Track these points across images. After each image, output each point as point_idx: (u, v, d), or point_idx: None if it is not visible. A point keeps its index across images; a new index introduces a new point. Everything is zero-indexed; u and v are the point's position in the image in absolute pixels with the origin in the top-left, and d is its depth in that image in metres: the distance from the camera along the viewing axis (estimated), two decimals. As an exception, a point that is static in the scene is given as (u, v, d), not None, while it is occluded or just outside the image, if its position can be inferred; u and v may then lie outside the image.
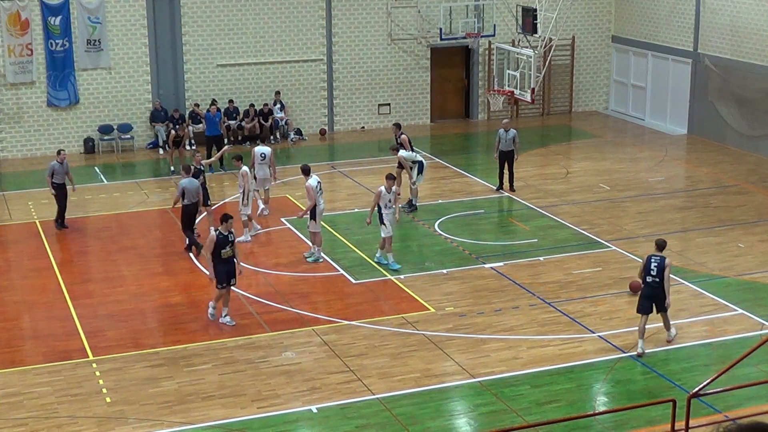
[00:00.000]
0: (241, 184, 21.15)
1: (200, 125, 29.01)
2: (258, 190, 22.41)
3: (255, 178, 22.27)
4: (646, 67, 32.43)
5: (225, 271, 16.87)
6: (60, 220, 22.16)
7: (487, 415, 14.21)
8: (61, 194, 21.96)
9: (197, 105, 29.36)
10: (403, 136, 24.02)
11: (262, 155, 22.75)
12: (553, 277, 19.15)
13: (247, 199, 21.18)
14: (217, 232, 16.90)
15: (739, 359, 12.32)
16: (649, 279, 15.77)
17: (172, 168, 26.58)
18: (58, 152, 22.40)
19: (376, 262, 19.80)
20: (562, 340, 16.51)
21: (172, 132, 27.07)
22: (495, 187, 24.82)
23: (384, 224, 19.58)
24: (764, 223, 22.43)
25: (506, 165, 24.52)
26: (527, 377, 15.21)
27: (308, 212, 19.91)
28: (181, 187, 20.26)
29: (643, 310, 15.83)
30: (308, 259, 20.11)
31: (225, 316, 17.19)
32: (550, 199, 24.13)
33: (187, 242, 20.58)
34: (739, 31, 28.62)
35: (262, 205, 22.42)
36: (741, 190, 24.97)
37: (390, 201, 19.71)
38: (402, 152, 23.47)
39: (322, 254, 20.25)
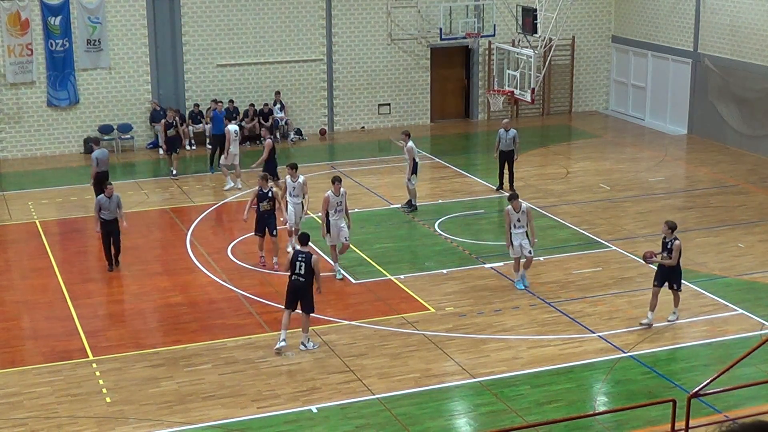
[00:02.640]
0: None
1: (200, 125, 29.03)
2: (228, 165, 24.74)
3: (226, 153, 24.90)
4: (646, 67, 32.43)
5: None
6: (110, 260, 19.68)
7: (487, 415, 14.21)
8: (109, 231, 19.50)
9: (197, 105, 29.37)
10: (268, 140, 23.71)
11: (236, 132, 25.09)
12: (553, 277, 19.14)
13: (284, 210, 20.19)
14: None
15: (739, 359, 12.32)
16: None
17: (173, 170, 26.52)
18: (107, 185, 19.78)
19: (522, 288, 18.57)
20: (562, 340, 16.51)
21: (163, 121, 26.44)
22: (495, 187, 24.82)
23: (512, 245, 18.32)
24: (764, 223, 22.43)
25: (506, 165, 24.51)
26: (527, 377, 15.21)
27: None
28: (94, 158, 22.84)
29: (659, 283, 16.81)
30: (338, 277, 19.10)
31: (309, 341, 16.41)
32: (550, 199, 24.13)
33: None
34: (739, 31, 28.62)
35: (231, 183, 24.98)
36: (741, 190, 24.97)
37: (519, 221, 18.23)
38: (411, 144, 23.11)
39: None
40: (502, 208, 23.85)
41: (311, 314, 16.15)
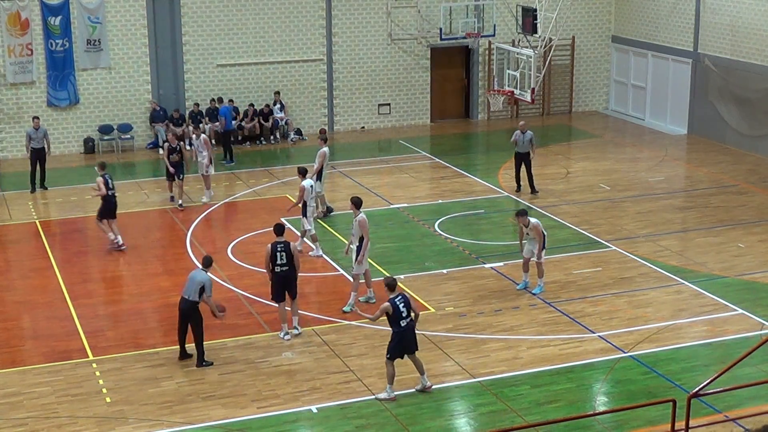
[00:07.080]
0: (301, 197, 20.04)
1: (200, 125, 29.00)
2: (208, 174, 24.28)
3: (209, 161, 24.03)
4: (646, 67, 32.43)
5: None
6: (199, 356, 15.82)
7: (487, 415, 14.21)
8: (196, 319, 15.76)
9: (197, 105, 29.38)
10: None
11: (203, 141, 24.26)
12: (553, 277, 19.14)
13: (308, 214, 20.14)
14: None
15: (739, 359, 12.31)
16: (404, 323, 14.46)
17: (178, 201, 23.96)
18: (206, 262, 15.99)
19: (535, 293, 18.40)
20: (562, 340, 16.51)
21: (166, 144, 23.82)
22: (515, 190, 24.41)
23: (524, 248, 18.41)
24: (764, 223, 22.43)
25: (523, 166, 24.29)
26: (527, 377, 15.21)
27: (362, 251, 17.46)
28: (28, 134, 25.15)
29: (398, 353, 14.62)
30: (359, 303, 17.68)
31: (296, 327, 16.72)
32: (550, 199, 24.13)
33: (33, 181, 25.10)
34: (739, 31, 28.62)
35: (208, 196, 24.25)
36: (741, 190, 24.97)
37: (527, 234, 18.11)
38: (326, 149, 22.43)
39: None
40: (502, 208, 23.92)
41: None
